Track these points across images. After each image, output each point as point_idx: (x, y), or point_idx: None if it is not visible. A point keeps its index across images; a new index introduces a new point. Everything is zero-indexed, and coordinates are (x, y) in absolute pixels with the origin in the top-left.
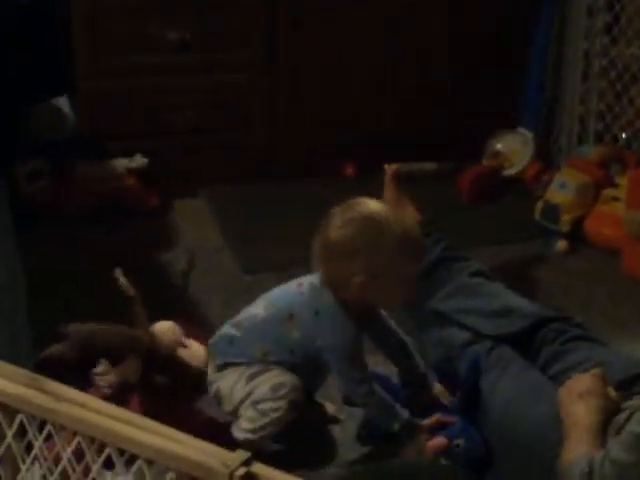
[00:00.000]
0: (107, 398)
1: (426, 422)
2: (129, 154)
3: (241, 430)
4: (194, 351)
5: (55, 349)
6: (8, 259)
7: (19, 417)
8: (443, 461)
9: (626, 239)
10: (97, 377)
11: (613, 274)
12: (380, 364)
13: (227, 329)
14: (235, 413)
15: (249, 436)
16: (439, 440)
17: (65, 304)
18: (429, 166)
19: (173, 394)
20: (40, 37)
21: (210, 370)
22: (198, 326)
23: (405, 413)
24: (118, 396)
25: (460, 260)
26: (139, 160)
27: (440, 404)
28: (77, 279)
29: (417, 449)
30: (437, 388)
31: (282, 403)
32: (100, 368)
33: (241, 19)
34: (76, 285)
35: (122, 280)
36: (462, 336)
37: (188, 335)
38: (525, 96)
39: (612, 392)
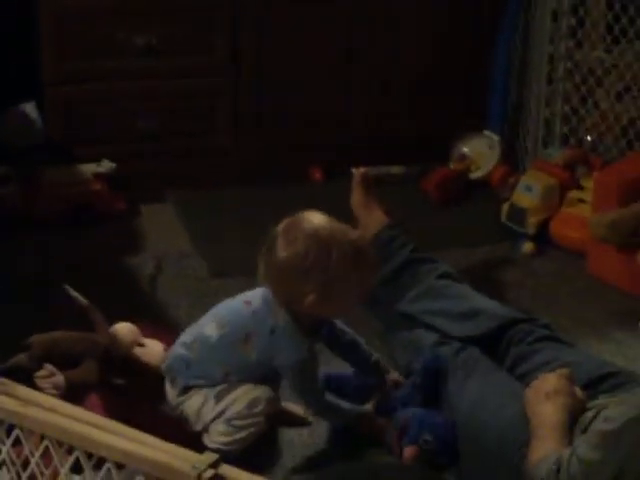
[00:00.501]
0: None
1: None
2: (96, 159)
3: (213, 442)
4: (151, 350)
5: (17, 359)
6: None
7: None
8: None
9: (592, 241)
10: (40, 380)
11: (579, 276)
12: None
13: (180, 350)
14: (206, 430)
15: (222, 447)
16: (410, 450)
17: (32, 310)
18: (396, 170)
19: (134, 395)
20: (6, 42)
21: (171, 395)
22: (165, 329)
23: (358, 409)
24: (70, 398)
25: (427, 262)
26: (106, 165)
27: (400, 383)
28: (45, 284)
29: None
30: (393, 374)
31: (260, 418)
32: (43, 371)
33: (207, 23)
34: (43, 291)
35: (73, 294)
36: (430, 338)
37: (152, 336)
38: (491, 99)
39: (579, 391)
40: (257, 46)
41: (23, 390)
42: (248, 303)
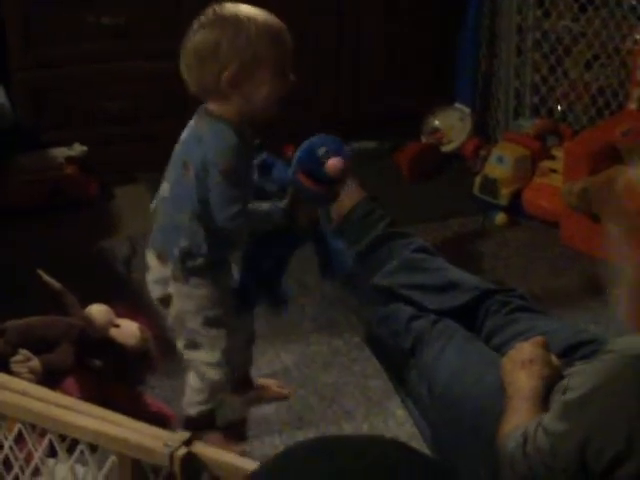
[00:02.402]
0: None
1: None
2: (67, 143)
3: (192, 404)
4: (127, 330)
5: None
6: None
7: None
8: None
9: (564, 210)
10: (15, 365)
11: (553, 245)
12: None
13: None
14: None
15: (202, 408)
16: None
17: (5, 298)
18: (368, 145)
19: (111, 376)
20: None
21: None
22: (140, 309)
23: (281, 203)
24: (46, 382)
25: (403, 236)
26: (78, 148)
27: None
28: (18, 272)
29: (304, 215)
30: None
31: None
32: (18, 356)
33: (175, 5)
34: (18, 278)
35: (45, 278)
36: (406, 311)
37: (127, 316)
38: (460, 71)
39: (555, 359)
40: None
41: None
42: (181, 141)
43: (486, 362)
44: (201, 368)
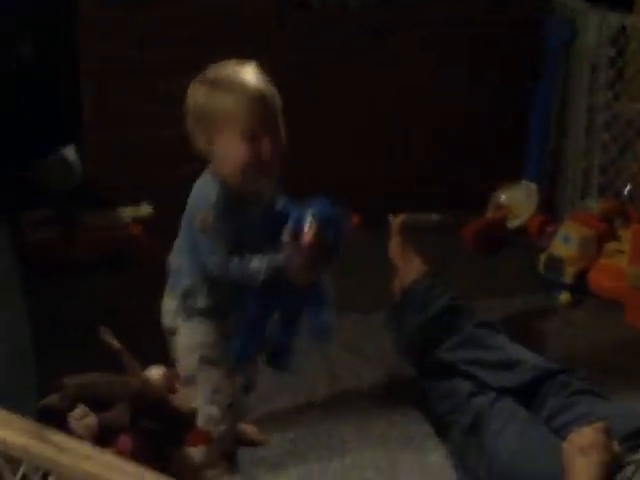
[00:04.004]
0: (89, 441)
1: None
2: (134, 203)
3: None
4: (184, 395)
5: (50, 400)
6: (14, 307)
7: (22, 467)
8: None
9: (629, 292)
10: (73, 421)
11: (617, 326)
12: None
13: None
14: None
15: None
16: (307, 236)
17: (65, 352)
18: (433, 217)
19: (164, 440)
20: (47, 88)
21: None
22: None
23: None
24: (101, 440)
25: (466, 311)
26: (145, 209)
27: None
28: (79, 326)
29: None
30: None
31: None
32: (76, 411)
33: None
34: (80, 333)
35: (106, 337)
36: (467, 387)
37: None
38: (529, 148)
39: (616, 446)
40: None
41: (59, 436)
42: None
43: (546, 445)
44: (199, 402)
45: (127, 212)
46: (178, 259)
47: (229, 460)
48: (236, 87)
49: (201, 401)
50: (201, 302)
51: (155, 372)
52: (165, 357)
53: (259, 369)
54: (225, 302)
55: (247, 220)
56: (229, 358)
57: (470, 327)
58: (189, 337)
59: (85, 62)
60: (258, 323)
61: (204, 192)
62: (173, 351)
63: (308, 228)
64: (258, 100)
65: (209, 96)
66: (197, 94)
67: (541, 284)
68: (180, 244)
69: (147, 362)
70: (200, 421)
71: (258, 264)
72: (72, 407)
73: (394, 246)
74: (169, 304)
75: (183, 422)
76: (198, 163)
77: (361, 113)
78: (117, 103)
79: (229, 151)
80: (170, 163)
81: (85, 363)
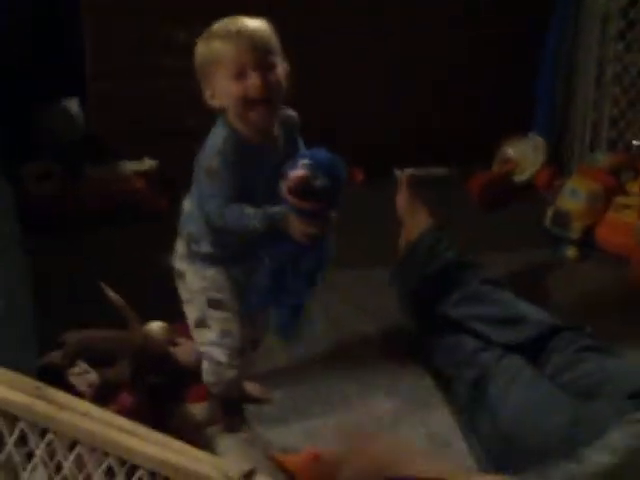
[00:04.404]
0: (89, 397)
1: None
2: (139, 157)
3: (210, 385)
4: (186, 349)
5: (52, 357)
6: (13, 263)
7: (20, 425)
8: None
9: (636, 247)
10: (73, 377)
11: (623, 282)
12: None
13: None
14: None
15: (218, 389)
16: (294, 175)
17: (67, 307)
18: (439, 171)
19: (166, 395)
20: (49, 38)
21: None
22: None
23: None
24: (102, 396)
25: (471, 267)
26: (148, 163)
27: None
28: (82, 281)
29: (294, 229)
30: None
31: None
32: (77, 369)
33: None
34: (81, 288)
35: (108, 291)
36: (472, 343)
37: (186, 335)
38: (537, 102)
39: None
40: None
41: (58, 394)
42: None
43: (551, 402)
44: (207, 348)
45: (130, 166)
46: (189, 203)
47: (237, 414)
48: (224, 32)
49: (209, 344)
50: (205, 248)
51: (157, 327)
52: (168, 312)
53: (265, 326)
54: (230, 251)
55: (261, 169)
56: (239, 303)
57: (476, 283)
58: (196, 280)
59: (87, 13)
60: (280, 273)
61: (214, 139)
62: (181, 294)
63: (296, 172)
64: (244, 37)
65: (204, 48)
66: (199, 50)
67: (548, 239)
68: (192, 189)
69: (149, 317)
70: (206, 365)
71: (253, 213)
72: (73, 363)
73: (401, 200)
74: (179, 247)
75: (185, 377)
76: (203, 116)
77: (365, 63)
78: (124, 53)
79: (222, 92)
80: (177, 114)
81: (88, 319)
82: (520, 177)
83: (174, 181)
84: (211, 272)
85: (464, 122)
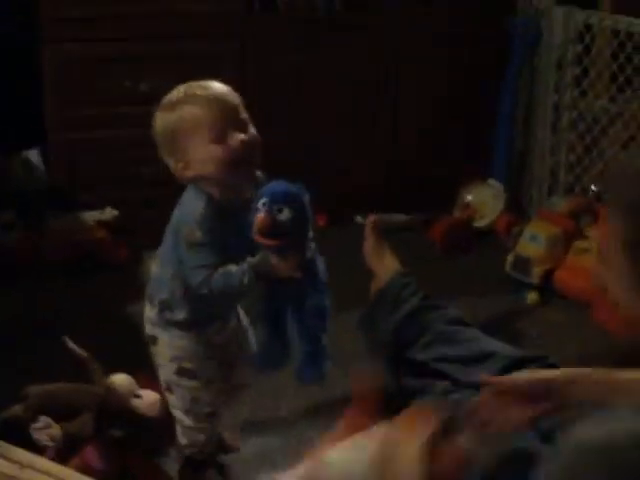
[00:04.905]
0: (52, 452)
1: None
2: (100, 206)
3: (182, 446)
4: (148, 400)
5: (13, 410)
6: None
7: None
8: None
9: (596, 291)
10: (36, 431)
11: (585, 325)
12: None
13: None
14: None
15: (191, 450)
16: (260, 217)
17: (29, 359)
18: (400, 218)
19: (130, 446)
20: (10, 90)
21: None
22: None
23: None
24: (66, 450)
25: (437, 309)
26: (109, 213)
27: None
28: (44, 333)
29: (278, 268)
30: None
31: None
32: (39, 423)
33: (209, 73)
34: (43, 340)
35: (70, 345)
36: (441, 385)
37: (149, 387)
38: (495, 148)
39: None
40: (262, 97)
41: (19, 452)
42: None
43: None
44: (176, 412)
45: (92, 216)
46: (159, 269)
47: (215, 467)
48: (194, 98)
49: (179, 411)
50: (179, 315)
51: (119, 379)
52: (130, 362)
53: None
54: (205, 314)
55: (235, 228)
56: (212, 368)
57: (442, 324)
58: (167, 348)
59: (47, 63)
60: (275, 324)
61: (191, 207)
62: (154, 358)
63: (259, 215)
64: (216, 100)
65: (170, 116)
66: (160, 120)
67: (509, 284)
68: (163, 254)
69: (112, 367)
70: (178, 430)
71: (238, 270)
72: (35, 417)
73: (368, 247)
74: (148, 312)
75: (149, 429)
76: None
77: (329, 114)
78: (82, 104)
79: (203, 156)
80: (135, 165)
81: (46, 372)
82: (480, 223)
83: (134, 231)
84: (184, 342)
85: (424, 169)
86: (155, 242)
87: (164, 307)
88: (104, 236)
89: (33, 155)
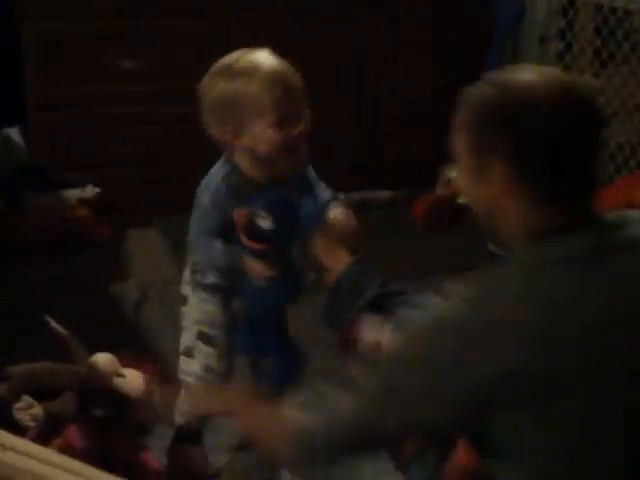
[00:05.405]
0: (35, 431)
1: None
2: (81, 185)
3: (180, 413)
4: (131, 380)
5: None
6: None
7: None
8: None
9: None
10: (18, 412)
11: None
12: None
13: None
14: None
15: (188, 418)
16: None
17: (11, 339)
18: (382, 195)
19: (112, 426)
20: None
21: None
22: (146, 358)
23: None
24: (48, 430)
25: (397, 295)
26: (91, 191)
27: None
28: (25, 313)
29: (250, 269)
30: None
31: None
32: (21, 403)
33: (192, 50)
34: (25, 320)
35: (52, 324)
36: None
37: (132, 366)
38: None
39: None
40: None
41: (2, 434)
42: None
43: None
44: (188, 379)
45: (73, 194)
46: (190, 231)
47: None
48: (260, 74)
49: (191, 375)
50: (209, 279)
51: (102, 359)
52: (113, 341)
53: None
54: (230, 282)
55: (262, 206)
56: (227, 339)
57: (404, 309)
58: (194, 309)
59: (27, 42)
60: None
61: (212, 175)
62: (181, 321)
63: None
64: (283, 82)
65: (231, 86)
66: (217, 86)
67: (491, 260)
68: (192, 218)
69: (95, 347)
70: (181, 397)
71: (221, 251)
72: (18, 397)
73: (318, 244)
74: (185, 272)
75: (130, 408)
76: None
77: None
78: (63, 82)
79: (259, 136)
80: (116, 142)
81: (28, 352)
82: (463, 199)
83: (115, 208)
84: (209, 306)
85: (408, 144)
86: (137, 220)
87: (195, 269)
88: (86, 214)
89: (14, 133)
